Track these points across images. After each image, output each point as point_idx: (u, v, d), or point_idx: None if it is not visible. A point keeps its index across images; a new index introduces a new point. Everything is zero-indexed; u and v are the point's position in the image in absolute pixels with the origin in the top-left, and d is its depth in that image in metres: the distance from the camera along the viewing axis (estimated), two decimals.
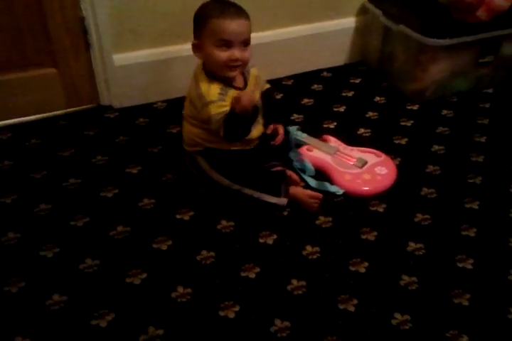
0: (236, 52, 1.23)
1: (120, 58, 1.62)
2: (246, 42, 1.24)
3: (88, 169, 1.46)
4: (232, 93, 1.26)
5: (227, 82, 1.28)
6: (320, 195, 1.33)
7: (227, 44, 1.22)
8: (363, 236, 1.29)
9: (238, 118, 1.21)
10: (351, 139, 1.60)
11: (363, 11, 1.92)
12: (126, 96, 1.70)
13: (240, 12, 1.24)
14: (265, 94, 1.41)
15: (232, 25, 1.20)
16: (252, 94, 1.21)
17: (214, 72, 1.27)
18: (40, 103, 1.63)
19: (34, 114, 1.64)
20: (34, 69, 1.57)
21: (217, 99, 1.24)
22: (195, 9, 1.26)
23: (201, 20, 1.24)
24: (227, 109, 1.23)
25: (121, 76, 1.64)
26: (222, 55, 1.22)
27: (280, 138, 1.39)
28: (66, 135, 1.58)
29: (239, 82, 1.32)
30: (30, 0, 1.44)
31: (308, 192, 1.34)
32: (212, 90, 1.25)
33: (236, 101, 1.19)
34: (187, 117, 1.36)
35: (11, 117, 1.62)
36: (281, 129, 1.41)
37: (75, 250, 1.23)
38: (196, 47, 1.27)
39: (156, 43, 1.64)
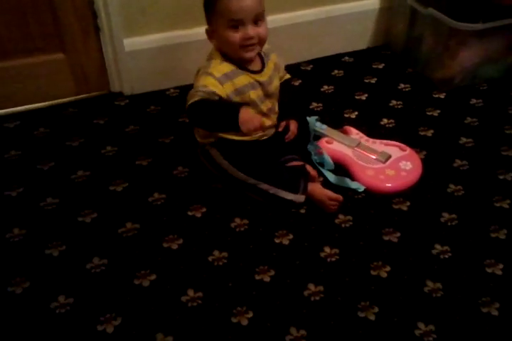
0: (250, 30, 1.14)
1: (131, 42, 1.54)
2: (259, 18, 1.15)
3: (97, 160, 1.40)
4: (243, 78, 1.19)
5: (242, 65, 1.21)
6: (340, 198, 1.25)
7: (238, 23, 1.14)
8: (385, 238, 1.21)
9: (222, 113, 1.12)
10: (374, 130, 1.51)
11: None
12: (138, 83, 1.63)
13: None
14: (284, 85, 1.33)
15: (240, 2, 1.12)
16: (261, 120, 1.11)
17: (230, 55, 1.19)
18: (48, 90, 1.56)
19: (42, 101, 1.58)
20: (41, 54, 1.50)
21: (218, 78, 1.16)
22: None
23: (210, 4, 1.16)
24: (215, 90, 1.14)
25: (132, 61, 1.57)
26: (236, 35, 1.15)
27: (291, 135, 1.33)
28: (75, 123, 1.52)
29: (255, 65, 1.24)
30: None
31: (328, 192, 1.26)
32: (221, 67, 1.18)
33: (247, 120, 1.07)
34: None
35: (19, 105, 1.56)
36: (293, 125, 1.34)
37: (82, 248, 1.17)
38: (210, 34, 1.20)
39: (169, 26, 1.56)
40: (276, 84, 1.29)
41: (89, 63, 1.56)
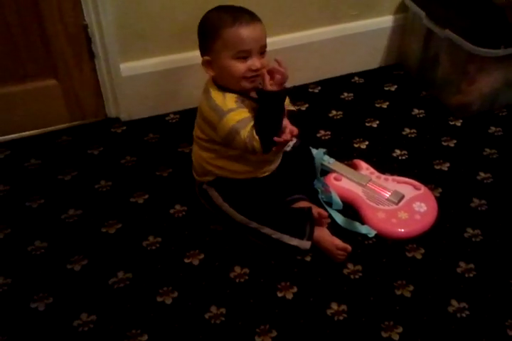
0: (256, 62, 1.07)
1: (128, 67, 1.46)
2: (264, 49, 1.09)
3: (90, 197, 1.31)
4: (248, 104, 1.10)
5: (243, 93, 1.12)
6: (348, 248, 1.16)
7: (247, 54, 1.06)
8: (398, 292, 1.12)
9: (270, 116, 1.07)
10: (385, 163, 1.42)
11: (401, 9, 1.70)
12: (135, 108, 1.54)
13: (253, 15, 1.09)
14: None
15: (250, 33, 1.05)
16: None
17: (228, 86, 1.11)
18: (41, 117, 1.48)
19: (35, 129, 1.50)
20: (33, 81, 1.42)
21: (236, 107, 1.09)
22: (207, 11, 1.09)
23: (211, 33, 1.07)
24: (249, 115, 1.08)
25: (129, 86, 1.48)
26: (241, 66, 1.06)
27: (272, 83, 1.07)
28: (68, 154, 1.43)
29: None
30: (25, 6, 1.27)
31: (336, 241, 1.17)
32: (228, 99, 1.10)
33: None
34: (196, 139, 1.20)
35: (10, 133, 1.48)
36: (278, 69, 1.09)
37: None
38: (208, 64, 1.10)
39: (167, 50, 1.47)
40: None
41: (84, 89, 1.47)
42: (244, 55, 1.06)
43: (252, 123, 1.08)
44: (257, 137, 1.06)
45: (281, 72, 1.05)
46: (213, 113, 1.10)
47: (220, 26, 1.06)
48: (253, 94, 1.13)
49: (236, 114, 1.08)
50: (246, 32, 1.04)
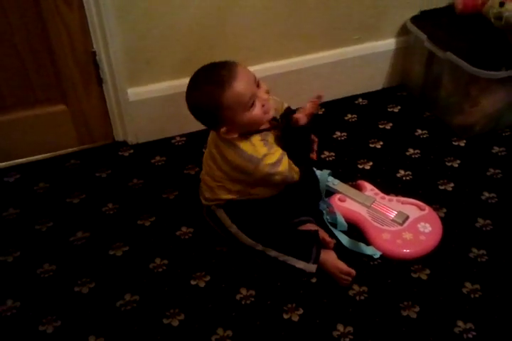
0: (263, 95, 1.08)
1: (135, 92, 1.49)
2: (257, 82, 1.08)
3: (97, 220, 1.33)
4: (271, 138, 1.13)
5: (260, 129, 1.13)
6: (353, 272, 1.16)
7: (253, 99, 1.06)
8: (404, 313, 1.12)
9: (302, 146, 1.13)
10: (389, 184, 1.43)
11: (403, 32, 1.72)
12: (142, 132, 1.57)
13: (226, 66, 1.05)
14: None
15: (242, 82, 1.03)
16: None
17: (254, 129, 1.11)
18: (50, 141, 1.51)
19: (44, 153, 1.52)
20: (43, 106, 1.45)
21: (267, 149, 1.10)
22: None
23: (212, 108, 1.05)
24: (281, 151, 1.11)
25: (136, 111, 1.51)
26: (258, 111, 1.07)
27: (302, 116, 1.13)
28: (77, 177, 1.46)
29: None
30: (36, 33, 1.31)
31: (340, 265, 1.17)
32: (257, 144, 1.10)
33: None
34: (216, 177, 1.19)
35: (20, 157, 1.50)
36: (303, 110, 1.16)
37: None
38: (228, 132, 1.08)
39: (172, 76, 1.49)
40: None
41: (92, 113, 1.50)
42: (252, 102, 1.05)
43: (285, 157, 1.11)
44: (296, 168, 1.11)
45: (316, 105, 1.13)
46: (249, 163, 1.10)
47: (215, 99, 1.03)
48: (264, 126, 1.13)
49: (270, 158, 1.10)
50: (239, 86, 1.02)
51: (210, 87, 1.03)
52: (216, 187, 1.19)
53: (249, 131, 1.11)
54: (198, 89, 1.06)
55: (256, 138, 1.11)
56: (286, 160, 1.11)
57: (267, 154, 1.10)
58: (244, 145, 1.10)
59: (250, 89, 1.04)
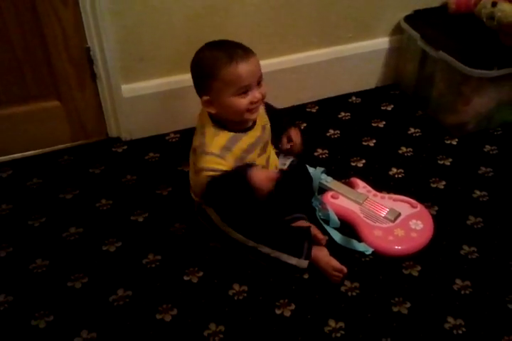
0: (257, 94, 1.09)
1: (129, 88, 1.49)
2: (260, 79, 1.10)
3: (90, 216, 1.33)
4: (242, 143, 1.12)
5: (242, 127, 1.14)
6: (345, 270, 1.17)
7: (247, 89, 1.07)
8: (395, 309, 1.13)
9: (238, 184, 1.07)
10: (382, 182, 1.44)
11: (397, 31, 1.73)
12: (136, 128, 1.57)
13: (246, 50, 1.08)
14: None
15: (248, 68, 1.05)
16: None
17: (228, 121, 1.12)
18: (44, 137, 1.51)
19: (38, 149, 1.52)
20: (36, 102, 1.45)
21: (218, 154, 1.10)
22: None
23: (209, 73, 1.06)
24: (222, 168, 1.09)
25: (130, 107, 1.51)
26: (244, 101, 1.08)
27: (297, 145, 1.24)
28: (70, 173, 1.46)
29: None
30: (30, 29, 1.31)
31: (333, 262, 1.18)
32: (216, 141, 1.11)
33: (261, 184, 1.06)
34: (192, 165, 1.21)
35: (13, 152, 1.50)
36: (294, 133, 1.24)
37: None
38: (208, 103, 1.11)
39: (167, 72, 1.50)
40: (267, 128, 1.21)
41: (86, 109, 1.50)
42: (244, 90, 1.07)
43: (223, 176, 1.08)
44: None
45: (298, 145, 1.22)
46: (199, 148, 1.11)
47: (217, 66, 1.05)
48: (245, 126, 1.14)
49: (211, 161, 1.09)
50: (243, 69, 1.04)
51: (220, 53, 1.05)
52: (196, 180, 1.19)
53: (225, 121, 1.11)
54: (209, 48, 1.09)
55: (224, 135, 1.11)
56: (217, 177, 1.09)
57: (214, 155, 1.09)
58: (209, 133, 1.11)
59: (251, 79, 1.06)
